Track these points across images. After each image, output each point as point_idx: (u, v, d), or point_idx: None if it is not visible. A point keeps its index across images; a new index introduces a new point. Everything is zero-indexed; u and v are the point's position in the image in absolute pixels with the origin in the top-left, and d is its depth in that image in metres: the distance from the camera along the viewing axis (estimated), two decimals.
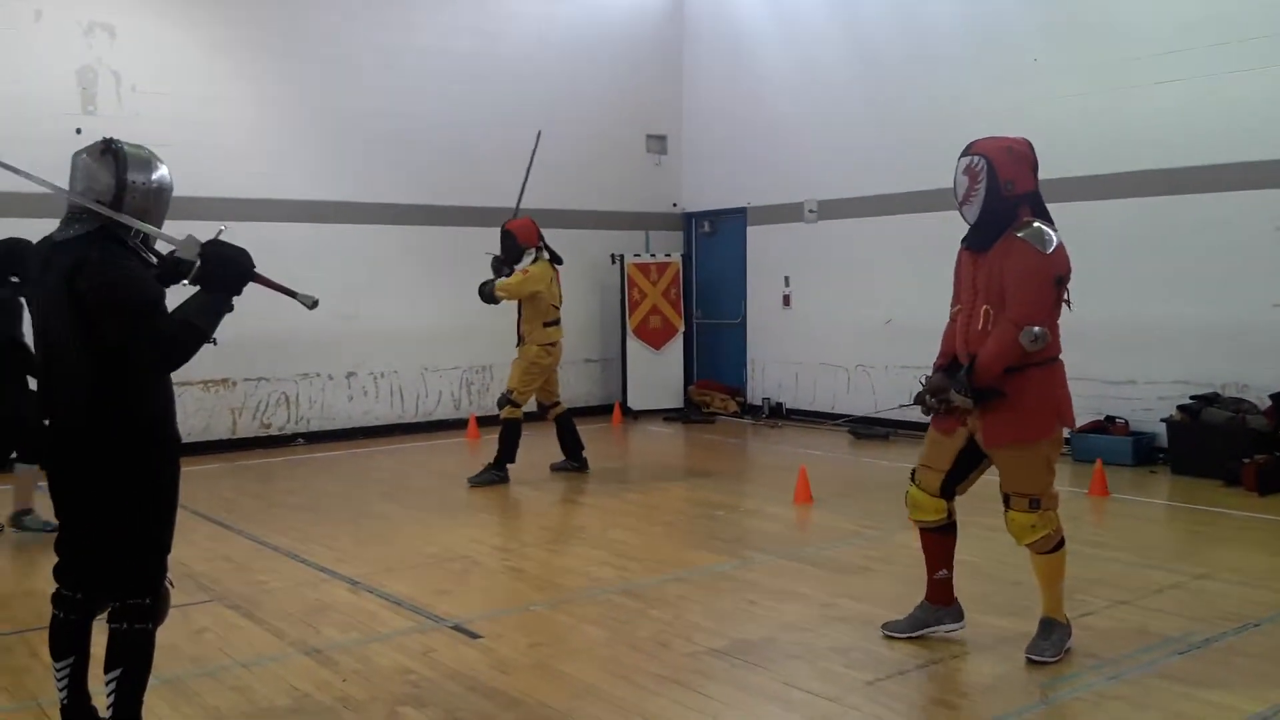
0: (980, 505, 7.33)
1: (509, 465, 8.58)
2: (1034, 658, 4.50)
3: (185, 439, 11.20)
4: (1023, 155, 4.49)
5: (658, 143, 13.44)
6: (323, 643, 4.84)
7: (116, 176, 3.42)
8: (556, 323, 8.65)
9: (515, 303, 8.60)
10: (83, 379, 3.37)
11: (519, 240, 8.60)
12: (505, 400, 8.58)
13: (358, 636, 4.94)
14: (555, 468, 9.01)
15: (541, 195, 12.28)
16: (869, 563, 6.13)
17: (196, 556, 6.35)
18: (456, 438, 11.13)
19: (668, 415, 12.64)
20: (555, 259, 8.72)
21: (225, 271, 3.39)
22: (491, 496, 8.17)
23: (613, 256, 12.84)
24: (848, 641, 4.79)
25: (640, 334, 12.87)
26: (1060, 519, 4.56)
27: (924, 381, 4.63)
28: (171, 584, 3.67)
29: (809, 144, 11.98)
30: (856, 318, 11.53)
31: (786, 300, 12.39)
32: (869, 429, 10.84)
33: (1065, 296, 4.48)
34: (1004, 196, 4.40)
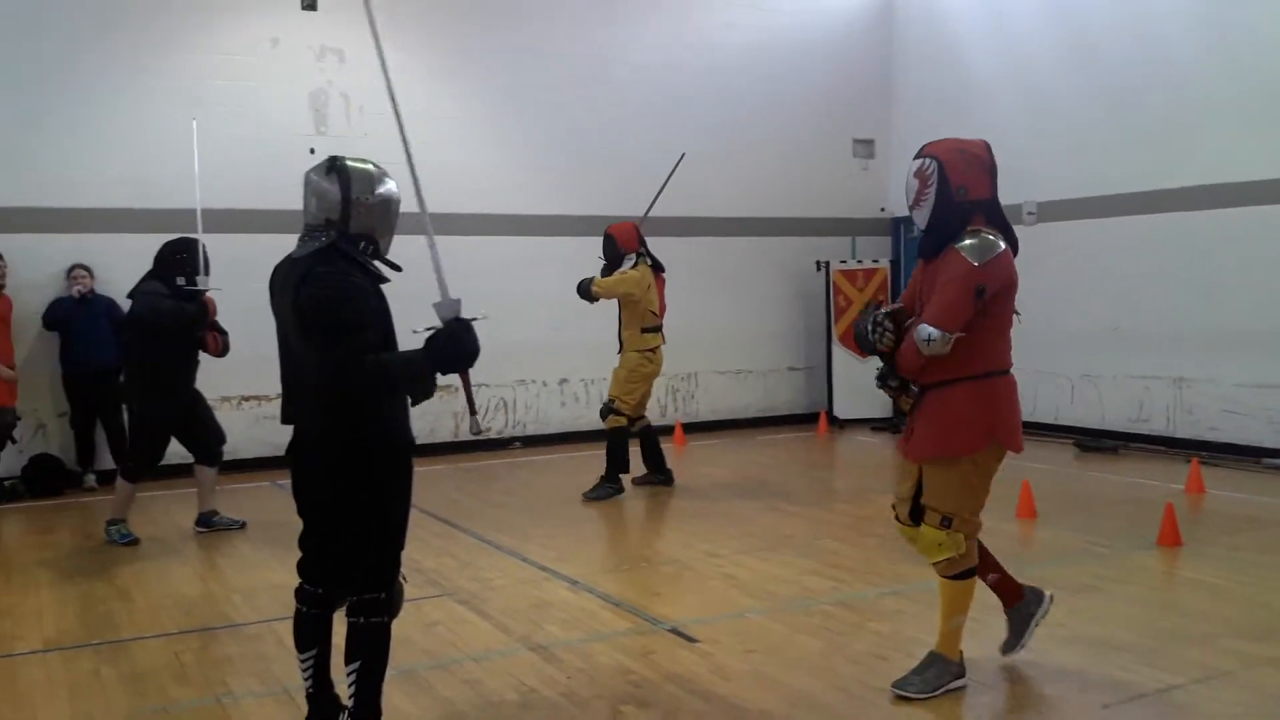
0: (1224, 525, 6.92)
1: (622, 475, 8.48)
2: (898, 690, 4.22)
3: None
4: (977, 159, 4.19)
5: (864, 147, 13.23)
6: (546, 639, 4.99)
7: (343, 193, 3.59)
8: (656, 330, 8.51)
9: (634, 309, 8.45)
10: (316, 387, 3.53)
11: (619, 243, 8.53)
12: (608, 410, 8.45)
13: (580, 635, 5.07)
14: (638, 482, 8.79)
15: (744, 203, 12.39)
16: (1099, 582, 5.85)
17: (426, 553, 6.66)
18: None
19: (876, 425, 12.40)
20: (657, 266, 8.64)
21: (448, 351, 3.44)
22: (699, 502, 8.22)
23: (818, 263, 12.70)
24: (1080, 664, 4.59)
25: (846, 342, 12.67)
26: (974, 549, 4.28)
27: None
28: (405, 579, 3.82)
29: (1026, 144, 11.52)
30: (1080, 324, 11.01)
31: None
32: (1096, 442, 10.34)
33: (1014, 309, 4.24)
34: (955, 202, 4.12)
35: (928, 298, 4.17)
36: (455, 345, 3.44)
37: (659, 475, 8.84)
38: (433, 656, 4.81)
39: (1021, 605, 4.62)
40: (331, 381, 3.44)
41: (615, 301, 8.46)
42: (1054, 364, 11.34)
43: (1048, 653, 4.72)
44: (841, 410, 12.55)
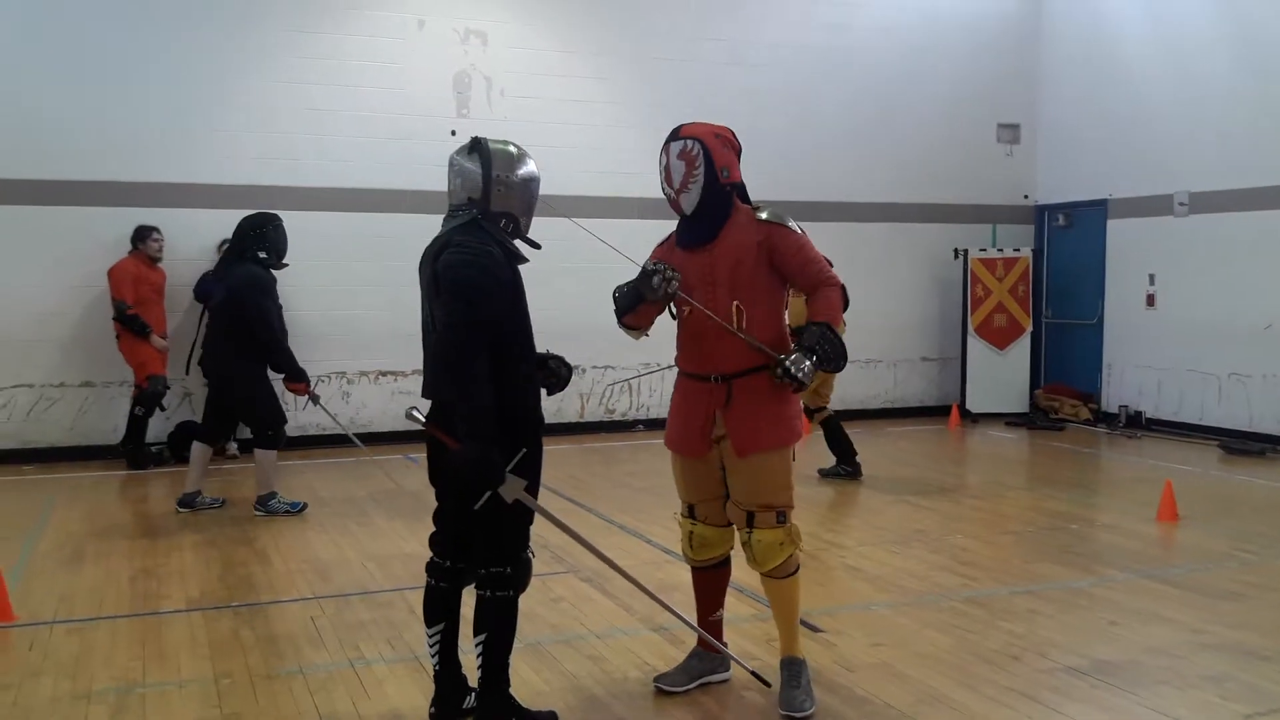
0: None
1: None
2: (793, 715, 3.92)
3: None
4: (730, 143, 4.10)
5: (1009, 132, 12.83)
6: (668, 621, 4.98)
7: (484, 171, 3.67)
8: None
9: None
10: (436, 353, 3.59)
11: None
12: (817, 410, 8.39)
13: None
14: (825, 474, 8.61)
15: (881, 188, 12.16)
16: (1244, 588, 5.58)
17: (551, 530, 6.66)
18: None
19: (1010, 420, 12.06)
20: None
21: (469, 475, 3.48)
22: (825, 493, 8.13)
23: (955, 251, 12.39)
24: (1221, 670, 4.39)
25: (983, 333, 12.36)
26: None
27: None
28: (533, 554, 3.87)
29: (1180, 132, 11.04)
30: (1231, 321, 10.51)
31: (1150, 300, 11.49)
32: (1243, 444, 9.87)
33: None
34: (721, 184, 3.99)
35: (725, 279, 3.95)
36: (472, 479, 3.48)
37: (847, 466, 8.58)
38: (558, 631, 4.87)
39: (711, 657, 4.30)
40: (441, 344, 3.50)
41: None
42: (1201, 362, 10.85)
43: (1190, 659, 4.52)
44: (975, 404, 12.24)
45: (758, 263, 3.98)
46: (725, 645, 4.31)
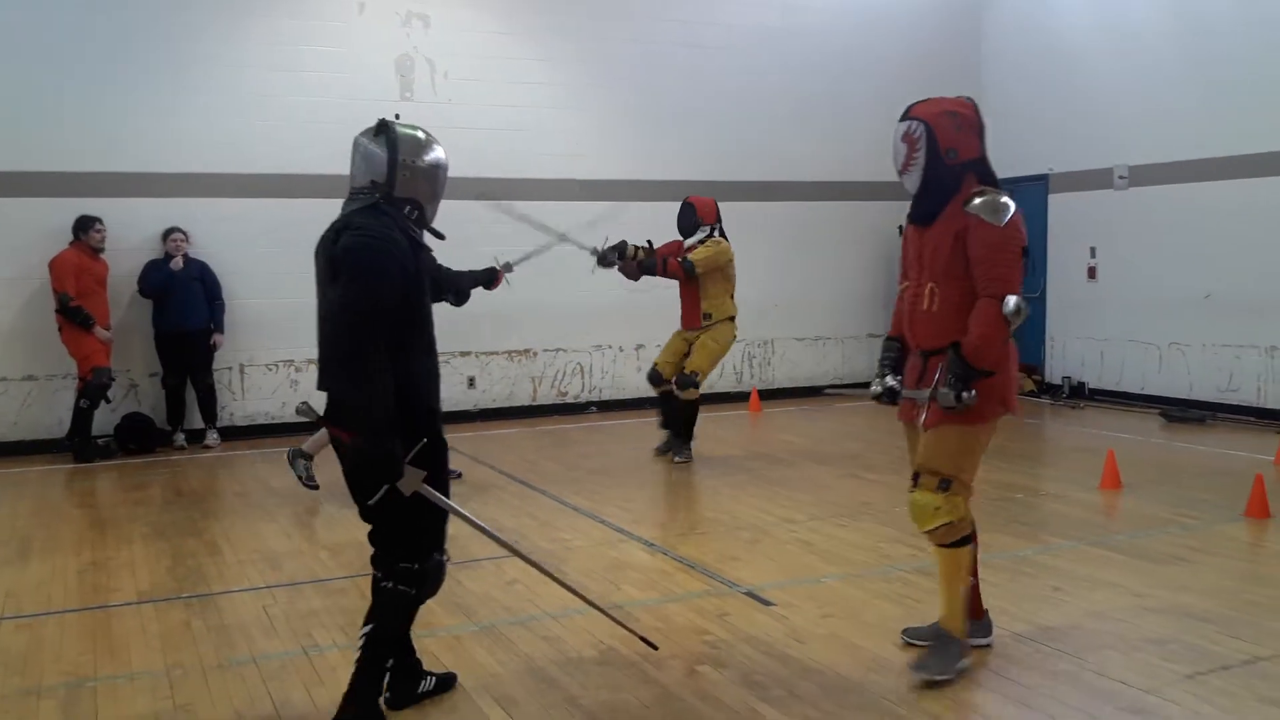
0: None
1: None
2: (921, 674, 4.05)
3: (490, 406, 11.85)
4: (967, 120, 4.11)
5: None
6: (623, 599, 5.04)
7: (390, 155, 3.58)
8: (731, 297, 8.47)
9: (726, 279, 8.35)
10: (330, 339, 3.48)
11: (698, 213, 8.37)
12: (690, 383, 8.30)
13: (656, 596, 5.11)
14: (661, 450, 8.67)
15: (826, 166, 12.23)
16: (1185, 553, 5.73)
17: (505, 513, 6.76)
18: (738, 410, 11.24)
19: None
20: (724, 236, 8.48)
21: (366, 470, 3.45)
22: (776, 468, 8.20)
23: (900, 228, 12.48)
24: (1164, 633, 4.51)
25: None
26: (970, 515, 4.15)
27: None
28: (449, 558, 3.80)
29: (1120, 106, 11.22)
30: (1170, 292, 10.72)
31: (1092, 272, 11.69)
32: (1183, 412, 10.10)
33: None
34: (946, 165, 4.04)
35: (928, 263, 4.11)
36: (370, 465, 3.41)
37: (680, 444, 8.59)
38: (513, 613, 4.89)
39: (978, 625, 4.40)
40: (336, 331, 3.39)
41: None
42: (1142, 332, 11.08)
43: (1133, 623, 4.64)
44: None
45: (954, 253, 4.03)
46: (986, 611, 4.44)
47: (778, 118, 11.94)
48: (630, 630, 4.06)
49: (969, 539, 4.17)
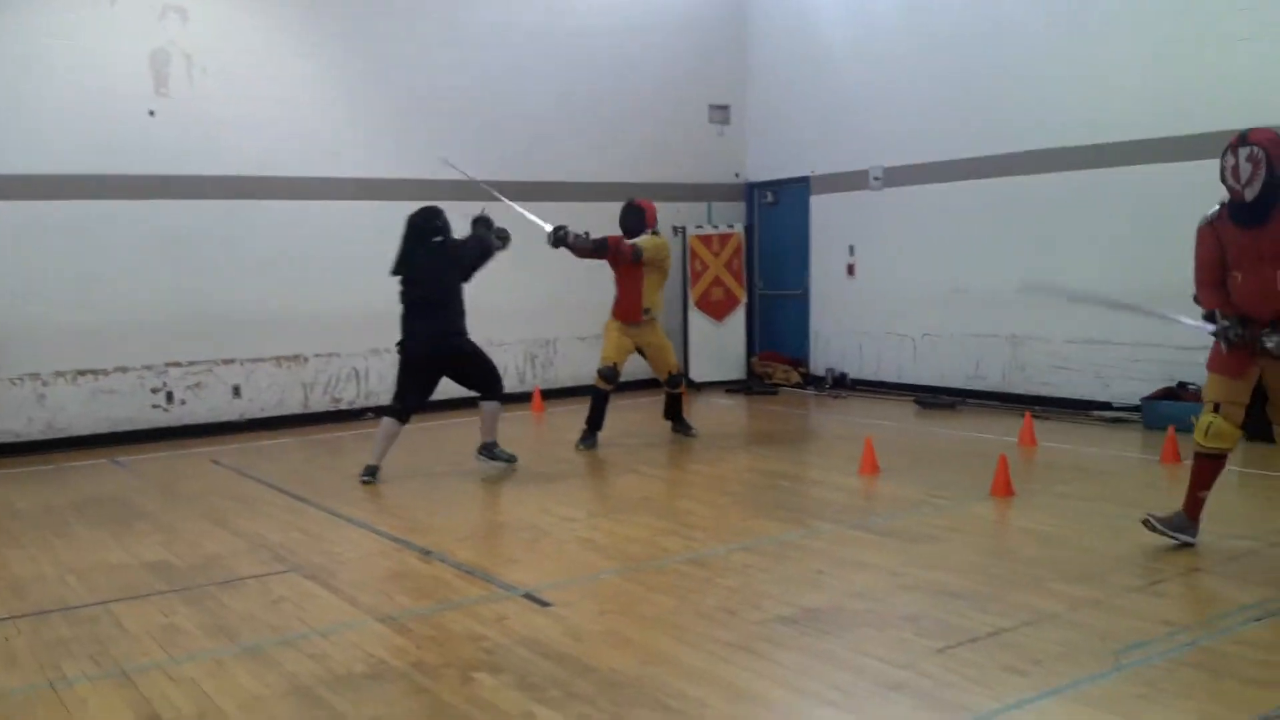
0: (1053, 475, 7.28)
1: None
2: (1150, 516, 5.60)
3: (259, 414, 11.37)
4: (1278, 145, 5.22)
5: (720, 112, 13.34)
6: (397, 610, 4.94)
7: None
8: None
9: (662, 275, 9.04)
10: None
11: (646, 219, 9.03)
12: (681, 379, 9.34)
13: (431, 604, 5.03)
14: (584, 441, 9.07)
15: (600, 168, 12.36)
16: (938, 532, 6.09)
17: (272, 528, 6.49)
18: (521, 411, 11.23)
19: (730, 387, 12.62)
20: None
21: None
22: (557, 467, 8.23)
23: (675, 228, 12.80)
24: (918, 609, 4.77)
25: (702, 306, 12.85)
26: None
27: (1228, 327, 5.28)
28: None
29: (874, 111, 11.84)
30: (923, 286, 11.40)
31: (851, 270, 12.29)
32: (936, 399, 10.75)
33: None
34: (1276, 179, 5.12)
35: (1270, 253, 5.14)
36: None
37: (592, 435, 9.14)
38: (278, 632, 4.70)
39: (1192, 525, 5.57)
40: None
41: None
42: (897, 325, 11.73)
43: (888, 600, 4.89)
44: (697, 373, 12.73)
45: None
46: (1200, 520, 5.62)
47: (548, 118, 12.00)
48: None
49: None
